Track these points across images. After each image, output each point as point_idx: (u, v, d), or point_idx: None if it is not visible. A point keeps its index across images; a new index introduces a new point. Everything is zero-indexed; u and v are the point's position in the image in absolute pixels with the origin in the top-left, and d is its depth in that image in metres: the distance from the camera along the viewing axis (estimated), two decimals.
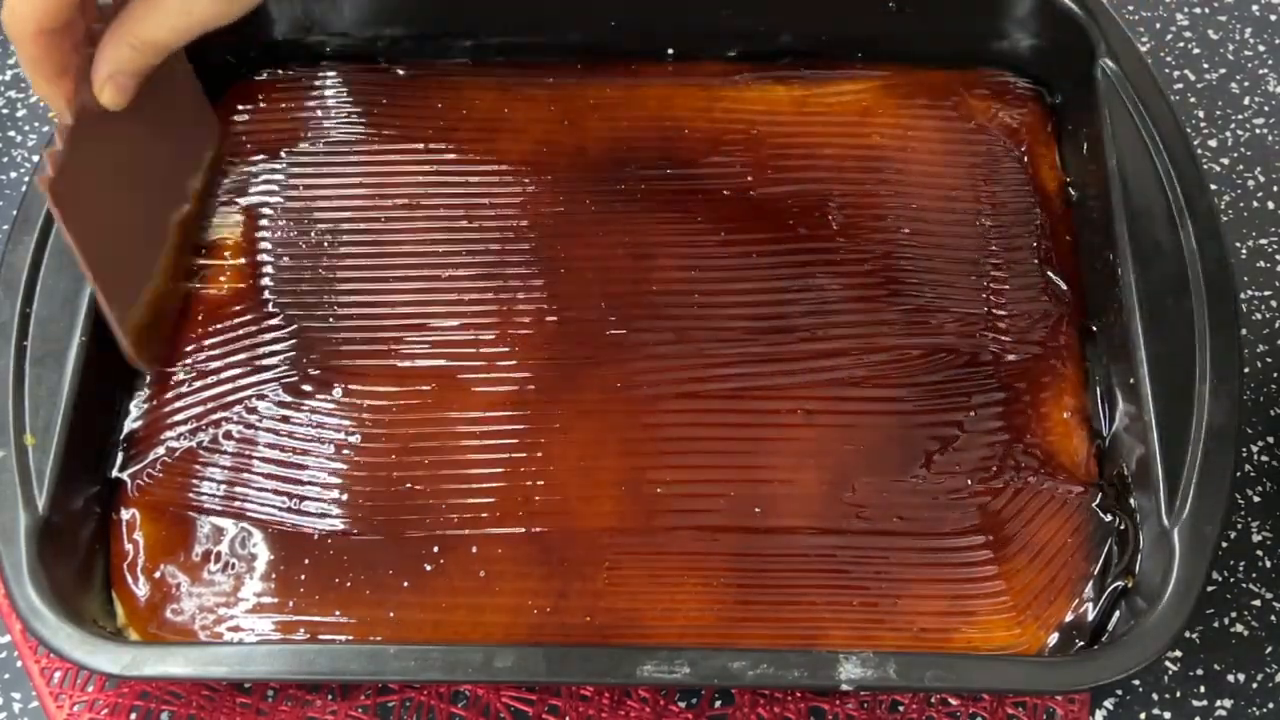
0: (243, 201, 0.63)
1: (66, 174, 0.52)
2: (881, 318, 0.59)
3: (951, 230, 0.62)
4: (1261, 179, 0.67)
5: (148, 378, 0.58)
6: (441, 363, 0.59)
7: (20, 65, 0.53)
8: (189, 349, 0.59)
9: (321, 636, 0.53)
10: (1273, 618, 0.57)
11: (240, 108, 0.65)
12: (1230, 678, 0.56)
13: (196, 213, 0.61)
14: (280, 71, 0.67)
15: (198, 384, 0.58)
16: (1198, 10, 0.72)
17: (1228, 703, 0.55)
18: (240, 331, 0.59)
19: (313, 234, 0.62)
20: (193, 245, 0.61)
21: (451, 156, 0.64)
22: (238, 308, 0.60)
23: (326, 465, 0.56)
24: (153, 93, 0.55)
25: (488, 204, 0.62)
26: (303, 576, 0.54)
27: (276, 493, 0.56)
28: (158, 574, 0.55)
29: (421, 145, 0.64)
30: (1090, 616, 0.53)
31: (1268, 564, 0.58)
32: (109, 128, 0.54)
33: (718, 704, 0.54)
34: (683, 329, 0.59)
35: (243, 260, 0.61)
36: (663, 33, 0.66)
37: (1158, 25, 0.72)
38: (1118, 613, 0.53)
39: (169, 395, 0.58)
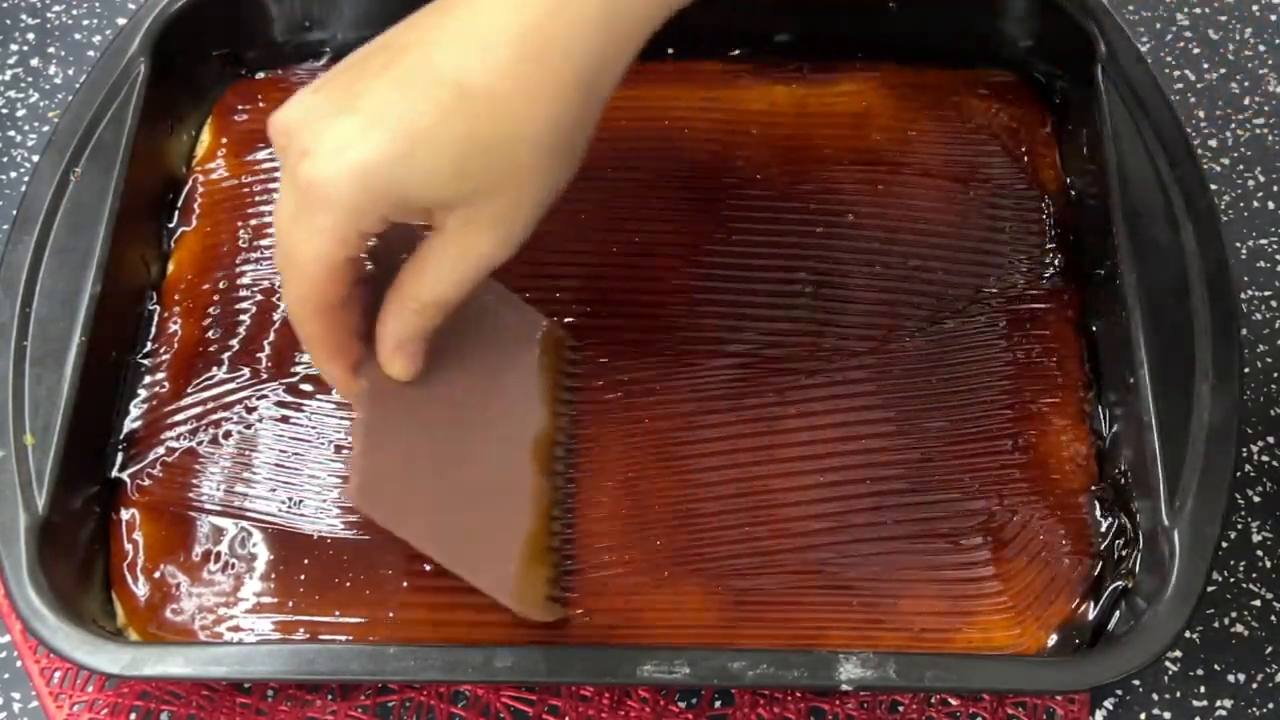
0: (243, 201, 0.63)
1: (372, 472, 0.49)
2: (882, 318, 0.59)
3: (951, 230, 0.62)
4: (1261, 179, 0.67)
5: (147, 378, 0.58)
6: None
7: (302, 343, 0.49)
8: (193, 349, 0.59)
9: (321, 636, 0.53)
10: (1273, 618, 0.57)
11: (240, 107, 0.65)
12: (1230, 678, 0.56)
13: (551, 422, 0.55)
14: (280, 71, 0.67)
15: (198, 382, 0.58)
16: (1198, 10, 0.72)
17: (1228, 703, 0.55)
18: (241, 331, 0.59)
19: None
20: (554, 457, 0.55)
21: None
22: (238, 306, 0.60)
23: (326, 465, 0.56)
24: (452, 332, 0.50)
25: None
26: (302, 576, 0.54)
27: (276, 493, 0.56)
28: (157, 574, 0.55)
29: None
30: (1090, 616, 0.53)
31: (1268, 564, 0.58)
32: (414, 396, 0.50)
33: (718, 704, 0.54)
34: (681, 329, 0.59)
35: (242, 259, 0.61)
36: (663, 33, 0.66)
37: (1158, 25, 0.72)
38: (1118, 613, 0.53)
39: (169, 395, 0.58)
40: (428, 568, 0.54)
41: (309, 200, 0.45)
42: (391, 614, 0.53)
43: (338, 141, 0.44)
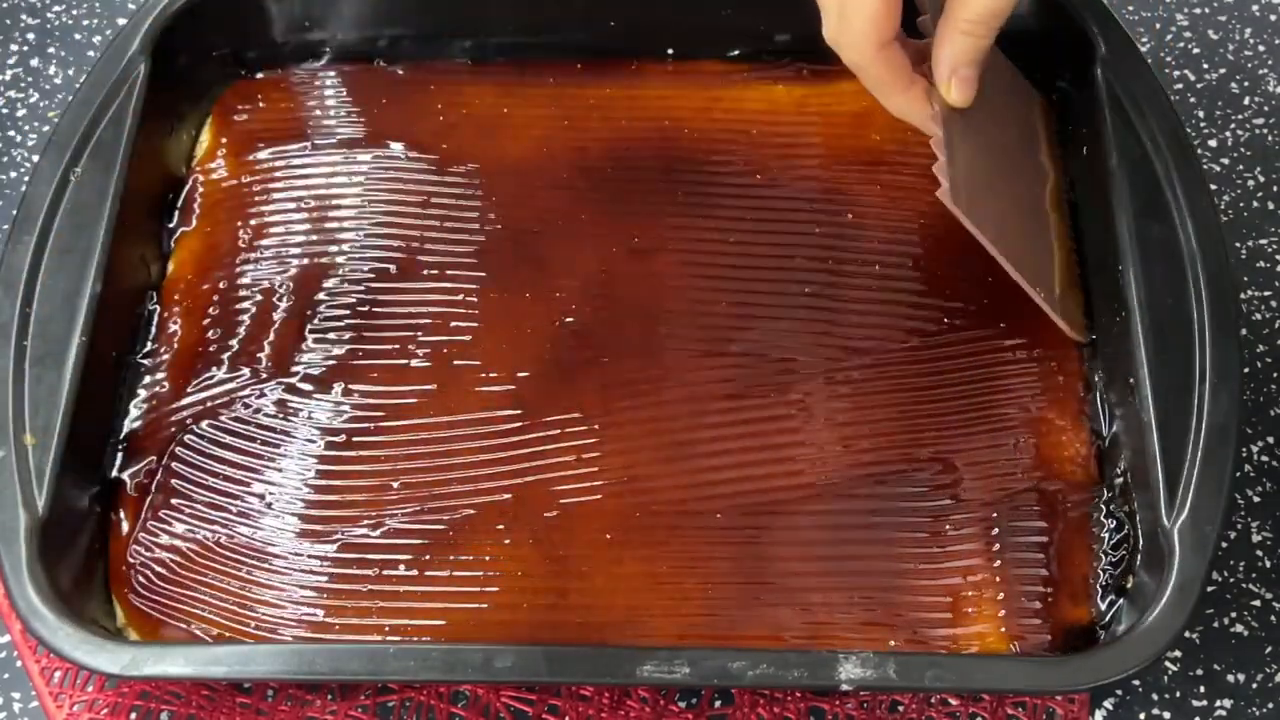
0: (243, 201, 0.63)
1: (958, 183, 0.54)
2: (882, 318, 0.59)
3: (951, 230, 0.61)
4: (1261, 179, 0.67)
5: (147, 378, 0.58)
6: (441, 361, 0.59)
7: (872, 91, 0.55)
8: (197, 350, 0.59)
9: (322, 636, 0.53)
10: (1273, 618, 0.57)
11: (240, 107, 0.65)
12: (1230, 678, 0.56)
13: (1058, 180, 0.61)
14: (280, 71, 0.67)
15: (197, 382, 0.58)
16: (1198, 10, 0.72)
17: (1228, 703, 0.55)
18: (241, 331, 0.59)
19: (313, 233, 0.62)
20: (1065, 210, 0.61)
21: (451, 156, 0.64)
22: (238, 306, 0.60)
23: (326, 465, 0.56)
24: (987, 79, 0.56)
25: (487, 204, 0.62)
26: (302, 576, 0.54)
27: (276, 492, 0.56)
28: (158, 574, 0.55)
29: (421, 145, 0.64)
30: (1090, 616, 0.53)
31: (1268, 564, 0.58)
32: (971, 126, 0.56)
33: (718, 704, 0.54)
34: (681, 329, 0.59)
35: (242, 259, 0.61)
36: (663, 33, 0.66)
37: (1158, 25, 0.72)
38: (1118, 612, 0.53)
39: (169, 395, 0.58)
40: (429, 569, 0.54)
41: None
42: (392, 614, 0.53)
43: None
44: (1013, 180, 0.59)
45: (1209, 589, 0.57)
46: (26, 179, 0.62)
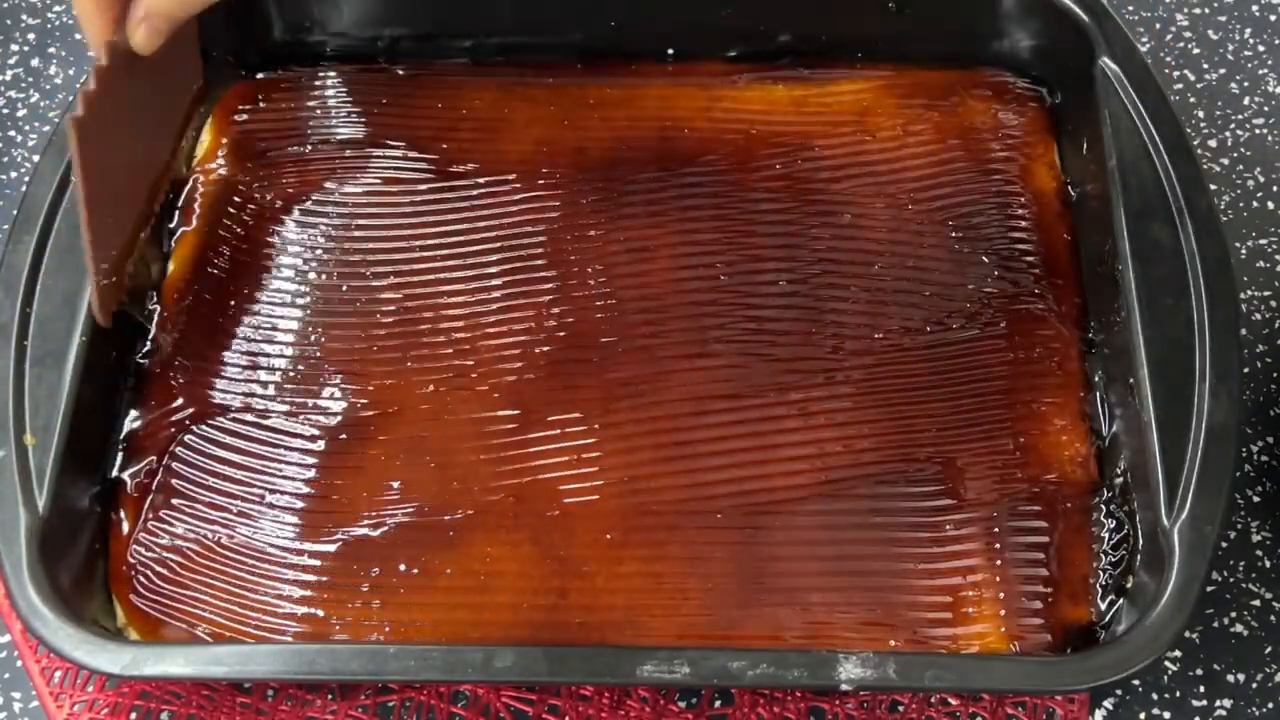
0: (244, 201, 0.63)
1: (90, 115, 0.52)
2: (881, 318, 0.59)
3: (951, 230, 0.62)
4: (1261, 179, 0.67)
5: (147, 377, 0.58)
6: (441, 361, 0.59)
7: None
8: (193, 347, 0.59)
9: (322, 636, 0.53)
10: (1272, 618, 0.57)
11: (241, 108, 0.65)
12: (1230, 678, 0.56)
13: (166, 170, 0.61)
14: (280, 71, 0.67)
15: (197, 382, 0.58)
16: (1198, 10, 0.72)
17: (1227, 703, 0.55)
18: (239, 330, 0.59)
19: (312, 233, 0.62)
20: (159, 203, 0.61)
21: (451, 156, 0.64)
22: (234, 304, 0.60)
23: (326, 464, 0.56)
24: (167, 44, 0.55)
25: (487, 204, 0.62)
26: (302, 576, 0.54)
27: (275, 492, 0.56)
28: (158, 573, 0.55)
29: (421, 145, 0.64)
30: (1090, 616, 0.53)
31: (1268, 564, 0.58)
32: (127, 74, 0.54)
33: (718, 704, 0.54)
34: (682, 329, 0.59)
35: (241, 259, 0.61)
36: (663, 33, 0.66)
37: (1158, 25, 0.72)
38: (1117, 612, 0.53)
39: (169, 394, 0.58)
40: (428, 568, 0.54)
41: None
42: (391, 614, 0.53)
43: None
44: (134, 147, 0.58)
45: (1209, 589, 0.57)
46: (26, 179, 0.62)
